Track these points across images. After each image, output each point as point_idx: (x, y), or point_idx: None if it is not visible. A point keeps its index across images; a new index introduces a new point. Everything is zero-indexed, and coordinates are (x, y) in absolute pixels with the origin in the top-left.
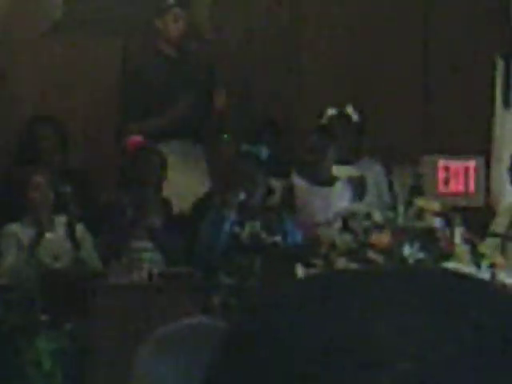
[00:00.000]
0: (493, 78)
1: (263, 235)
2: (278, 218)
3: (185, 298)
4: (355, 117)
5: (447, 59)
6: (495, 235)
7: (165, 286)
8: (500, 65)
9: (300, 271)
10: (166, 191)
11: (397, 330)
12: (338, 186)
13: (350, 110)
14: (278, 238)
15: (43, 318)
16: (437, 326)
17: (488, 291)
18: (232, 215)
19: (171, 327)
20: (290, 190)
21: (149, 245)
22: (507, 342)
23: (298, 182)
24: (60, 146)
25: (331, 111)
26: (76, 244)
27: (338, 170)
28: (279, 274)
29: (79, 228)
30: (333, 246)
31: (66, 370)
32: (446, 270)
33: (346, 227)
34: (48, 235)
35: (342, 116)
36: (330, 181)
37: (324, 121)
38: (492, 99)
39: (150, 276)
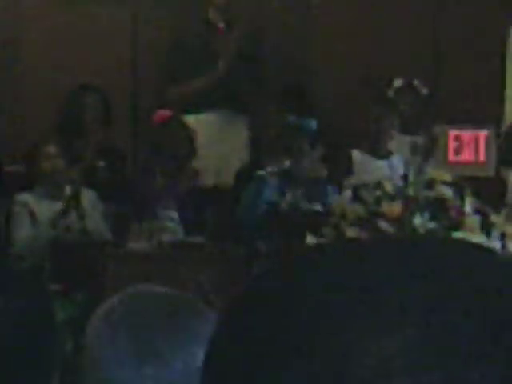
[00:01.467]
0: (504, 49)
1: (303, 204)
2: (321, 188)
3: (198, 268)
4: (424, 90)
5: (460, 30)
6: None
7: (178, 256)
8: (511, 35)
9: (310, 240)
10: (203, 162)
11: (400, 298)
12: (394, 159)
13: (417, 82)
14: (317, 207)
15: (54, 287)
16: (440, 294)
17: (494, 261)
18: (273, 183)
19: (117, 296)
20: (348, 161)
21: (174, 214)
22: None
23: (355, 153)
24: (104, 118)
25: (398, 82)
26: (80, 214)
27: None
28: (291, 243)
29: (88, 197)
30: (343, 215)
31: (76, 339)
32: (454, 240)
33: (356, 197)
34: (59, 205)
35: (410, 88)
36: (387, 154)
37: (390, 93)
38: (503, 70)
39: (160, 245)
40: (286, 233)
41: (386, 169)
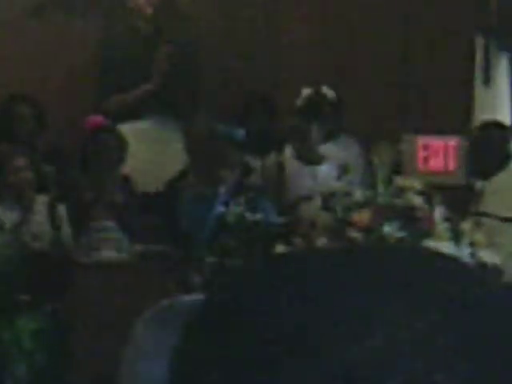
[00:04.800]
0: (472, 55)
1: (247, 214)
2: (259, 197)
3: (163, 276)
4: (330, 93)
5: (426, 36)
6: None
7: (144, 265)
8: (479, 42)
9: (280, 250)
10: (138, 168)
11: (369, 309)
12: (326, 165)
13: (325, 89)
14: (259, 217)
15: (23, 297)
16: (407, 305)
17: (460, 271)
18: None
19: (165, 304)
20: (279, 168)
21: (110, 224)
22: (473, 320)
23: (290, 160)
24: (37, 126)
25: (306, 92)
26: (55, 225)
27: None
28: (259, 253)
29: (61, 208)
30: (313, 224)
31: (46, 349)
32: (422, 249)
33: (325, 206)
34: (29, 215)
35: (318, 96)
36: (318, 160)
37: (300, 102)
38: (472, 76)
39: (130, 254)
40: (237, 244)
41: (316, 175)
